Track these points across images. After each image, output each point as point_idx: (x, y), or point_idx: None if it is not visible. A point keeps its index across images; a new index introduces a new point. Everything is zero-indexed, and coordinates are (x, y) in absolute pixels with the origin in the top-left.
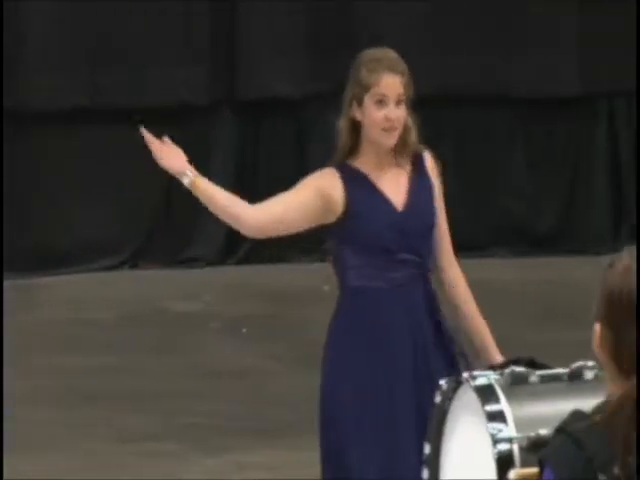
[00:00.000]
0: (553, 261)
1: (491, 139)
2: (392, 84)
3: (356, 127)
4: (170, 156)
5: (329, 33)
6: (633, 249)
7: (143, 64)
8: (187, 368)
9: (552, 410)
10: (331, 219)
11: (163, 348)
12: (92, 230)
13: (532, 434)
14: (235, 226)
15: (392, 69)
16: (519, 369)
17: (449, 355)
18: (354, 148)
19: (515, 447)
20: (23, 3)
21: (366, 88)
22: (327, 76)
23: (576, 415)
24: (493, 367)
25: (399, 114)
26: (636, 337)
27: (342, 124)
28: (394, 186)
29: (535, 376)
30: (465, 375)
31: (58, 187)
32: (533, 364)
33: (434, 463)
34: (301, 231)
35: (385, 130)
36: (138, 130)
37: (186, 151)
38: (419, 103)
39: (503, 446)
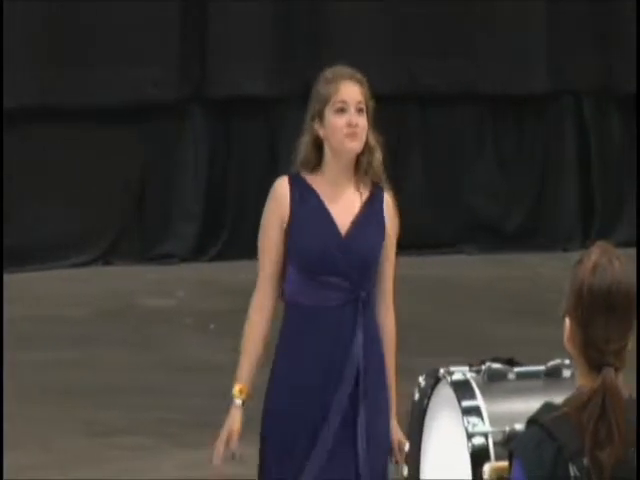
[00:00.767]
0: (522, 258)
1: (460, 137)
2: (351, 91)
3: (318, 144)
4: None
5: (298, 32)
6: (603, 245)
7: (112, 62)
8: (159, 363)
9: (527, 406)
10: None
11: (135, 343)
12: (64, 227)
13: (507, 429)
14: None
15: (350, 78)
16: (496, 366)
17: (381, 388)
18: (315, 166)
19: (490, 441)
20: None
21: (325, 100)
22: (296, 75)
23: (547, 407)
24: (471, 364)
25: (360, 121)
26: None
27: (303, 140)
28: (344, 209)
29: (512, 373)
30: (442, 371)
31: (30, 185)
32: (511, 363)
33: (414, 459)
34: None
35: (347, 136)
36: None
37: (157, 150)
38: (388, 102)
39: (478, 440)
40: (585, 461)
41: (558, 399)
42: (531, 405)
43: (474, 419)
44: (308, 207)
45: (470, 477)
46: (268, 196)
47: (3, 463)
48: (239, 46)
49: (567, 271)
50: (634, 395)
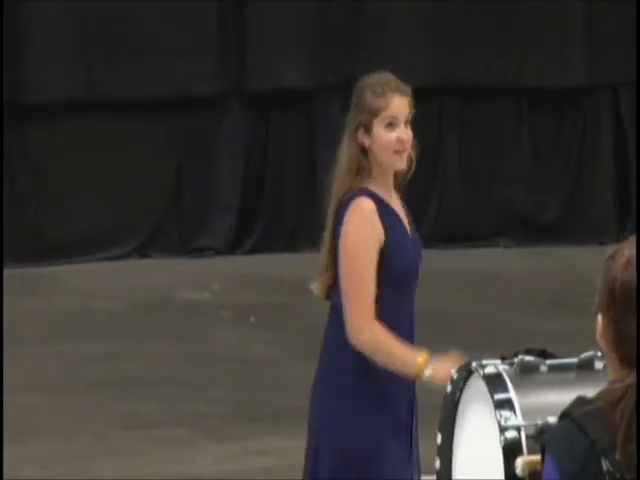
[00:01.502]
0: (557, 251)
1: (496, 129)
2: (402, 105)
3: (364, 153)
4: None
5: (337, 24)
6: (634, 240)
7: (150, 56)
8: (196, 356)
9: (560, 399)
10: None
11: (172, 336)
12: (102, 220)
13: (539, 422)
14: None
15: (400, 91)
16: (529, 358)
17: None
18: (363, 174)
19: (522, 435)
20: (22, 3)
21: (374, 114)
22: (336, 68)
23: (580, 401)
24: (504, 357)
25: (408, 134)
26: (636, 329)
27: (347, 151)
28: (401, 212)
29: (544, 366)
30: (474, 364)
31: (68, 179)
32: (544, 354)
33: (446, 452)
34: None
35: (397, 152)
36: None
37: (194, 143)
38: (425, 94)
39: (510, 434)
40: (617, 456)
41: (590, 391)
42: (563, 398)
43: (506, 412)
44: (394, 223)
45: (502, 471)
46: (353, 220)
47: (3, 458)
48: (278, 39)
49: (602, 264)
50: None
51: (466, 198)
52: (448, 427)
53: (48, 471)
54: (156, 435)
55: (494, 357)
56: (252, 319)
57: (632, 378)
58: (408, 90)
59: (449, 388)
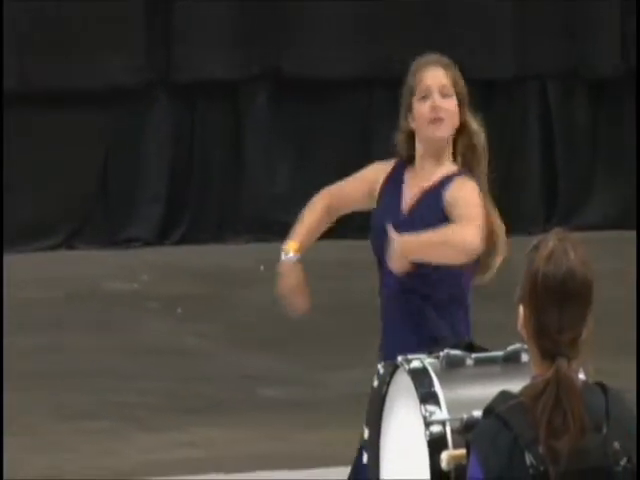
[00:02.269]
0: None
1: None
2: (433, 76)
3: (411, 138)
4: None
5: (262, 17)
6: (560, 232)
7: (78, 49)
8: (125, 347)
9: (485, 392)
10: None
11: (101, 327)
12: (29, 211)
13: (465, 416)
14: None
15: (433, 63)
16: (454, 352)
17: None
18: (411, 158)
19: (448, 429)
20: None
21: (412, 91)
22: (260, 60)
23: (503, 395)
24: (431, 351)
25: (446, 103)
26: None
27: (398, 137)
28: (413, 191)
29: (470, 359)
30: (400, 359)
31: None
32: (471, 347)
33: (374, 446)
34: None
35: (431, 122)
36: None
37: (121, 134)
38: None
39: (436, 428)
40: (541, 449)
41: (516, 384)
42: (489, 391)
43: (432, 407)
44: (391, 188)
45: (428, 465)
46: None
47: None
48: (203, 32)
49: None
50: (591, 380)
51: None
52: (375, 422)
53: None
54: (83, 426)
55: None
56: (179, 310)
57: (552, 372)
58: (446, 62)
59: (376, 382)
